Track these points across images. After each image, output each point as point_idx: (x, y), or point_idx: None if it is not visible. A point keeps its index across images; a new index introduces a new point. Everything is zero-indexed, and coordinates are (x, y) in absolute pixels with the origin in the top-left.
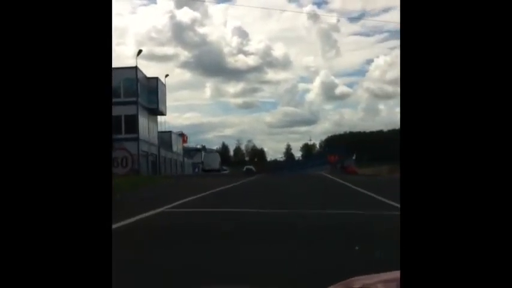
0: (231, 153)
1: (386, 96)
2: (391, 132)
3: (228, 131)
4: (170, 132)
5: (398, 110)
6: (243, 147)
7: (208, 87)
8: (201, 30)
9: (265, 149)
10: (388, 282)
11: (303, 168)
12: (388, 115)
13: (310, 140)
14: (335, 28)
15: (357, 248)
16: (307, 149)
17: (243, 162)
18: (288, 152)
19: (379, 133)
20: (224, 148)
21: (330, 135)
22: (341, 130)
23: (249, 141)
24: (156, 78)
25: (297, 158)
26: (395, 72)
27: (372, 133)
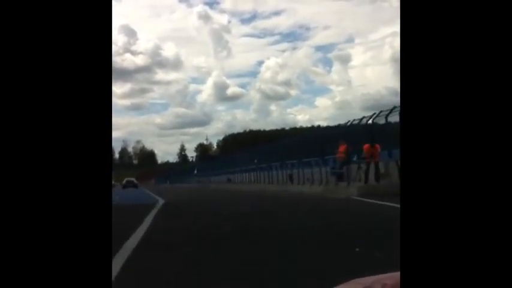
0: (116, 155)
1: (278, 97)
2: (293, 130)
3: (115, 134)
4: None
5: (289, 110)
6: (130, 148)
7: None
8: None
9: (156, 151)
10: (389, 283)
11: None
12: (280, 115)
13: (207, 140)
14: (226, 29)
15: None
16: (203, 149)
17: (131, 166)
18: (182, 154)
19: (281, 131)
20: None
21: (227, 134)
22: (234, 131)
23: (138, 142)
24: None
25: (190, 159)
26: (286, 74)
27: (272, 131)
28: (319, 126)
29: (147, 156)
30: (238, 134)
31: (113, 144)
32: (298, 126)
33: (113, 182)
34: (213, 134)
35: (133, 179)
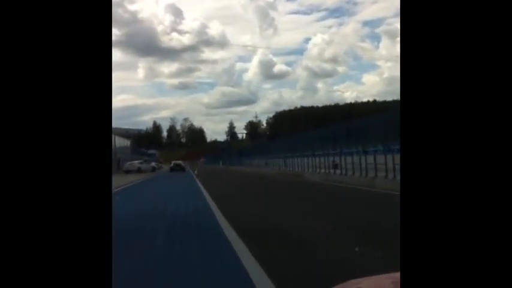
0: (164, 133)
1: (325, 75)
2: (348, 106)
3: (164, 113)
4: None
5: (336, 87)
6: (178, 126)
7: (142, 67)
8: (131, 7)
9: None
10: (387, 283)
11: None
12: (327, 93)
13: (256, 117)
14: (272, 6)
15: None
16: (252, 127)
17: (179, 144)
18: (231, 131)
19: (334, 107)
20: (156, 128)
21: (277, 111)
22: (281, 108)
23: (186, 119)
24: None
25: (240, 137)
26: (333, 50)
27: (324, 107)
28: (375, 101)
29: (195, 134)
30: (290, 111)
31: (162, 123)
32: (347, 102)
33: (153, 164)
34: (260, 112)
35: (180, 162)
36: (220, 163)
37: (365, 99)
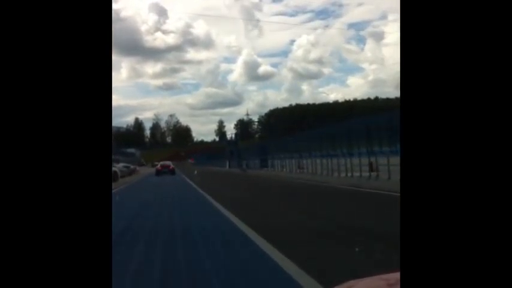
0: (147, 132)
1: (310, 76)
2: (347, 102)
3: (148, 114)
4: None
5: (321, 89)
6: (163, 123)
7: (125, 67)
8: (114, 5)
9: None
10: (383, 285)
11: None
12: (312, 95)
13: (248, 115)
14: (258, 7)
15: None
16: (243, 126)
17: (163, 144)
18: (221, 131)
19: (334, 104)
20: (137, 126)
21: (268, 110)
22: (266, 110)
23: (172, 115)
24: None
25: (229, 138)
26: (319, 52)
27: (321, 105)
28: (377, 99)
29: (182, 133)
30: (284, 109)
31: (145, 124)
32: (346, 99)
33: (120, 166)
34: (244, 114)
35: (169, 162)
36: (227, 165)
37: (360, 98)
